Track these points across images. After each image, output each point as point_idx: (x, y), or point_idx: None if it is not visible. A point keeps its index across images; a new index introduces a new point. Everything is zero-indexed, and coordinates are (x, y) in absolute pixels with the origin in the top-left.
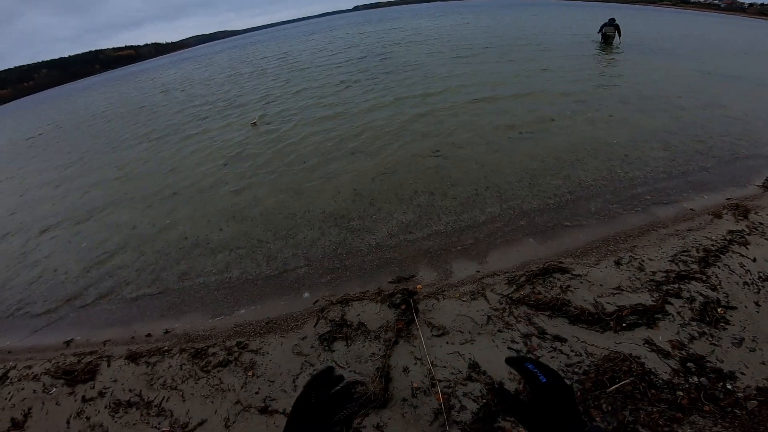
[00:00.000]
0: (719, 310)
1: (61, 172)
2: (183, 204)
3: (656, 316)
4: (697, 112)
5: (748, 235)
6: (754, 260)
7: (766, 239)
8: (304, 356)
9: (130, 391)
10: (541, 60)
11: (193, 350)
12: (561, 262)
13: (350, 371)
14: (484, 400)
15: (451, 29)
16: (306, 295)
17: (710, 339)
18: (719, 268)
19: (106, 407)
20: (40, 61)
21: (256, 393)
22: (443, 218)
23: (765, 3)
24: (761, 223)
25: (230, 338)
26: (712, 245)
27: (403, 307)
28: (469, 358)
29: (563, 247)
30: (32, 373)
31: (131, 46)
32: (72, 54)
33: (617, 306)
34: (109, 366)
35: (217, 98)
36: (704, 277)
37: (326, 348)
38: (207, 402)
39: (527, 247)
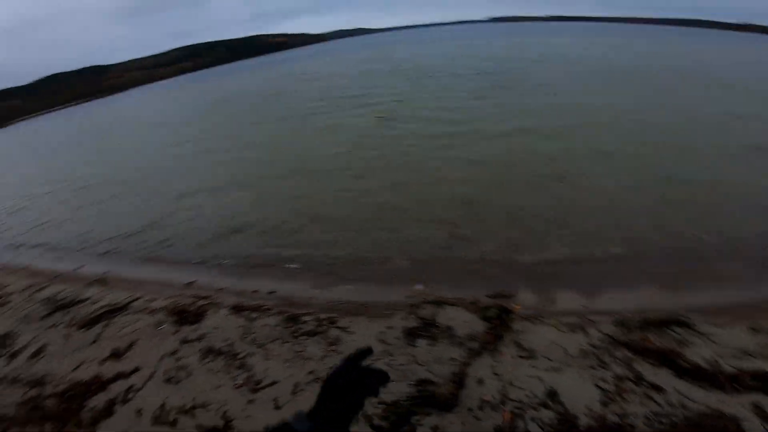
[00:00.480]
0: None
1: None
2: (307, 181)
3: None
4: None
5: None
6: None
7: None
8: (386, 344)
9: (224, 340)
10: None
11: (289, 314)
12: (686, 317)
13: (426, 369)
14: (552, 429)
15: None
16: (401, 288)
17: None
18: None
19: (199, 351)
20: (215, 40)
21: (332, 367)
22: (557, 247)
23: None
24: None
25: (324, 311)
26: None
27: (495, 321)
28: (550, 386)
29: (692, 302)
30: (151, 307)
31: (284, 34)
32: (239, 37)
33: (737, 368)
34: (215, 313)
35: (347, 91)
36: None
37: (409, 342)
38: (285, 366)
39: (648, 294)
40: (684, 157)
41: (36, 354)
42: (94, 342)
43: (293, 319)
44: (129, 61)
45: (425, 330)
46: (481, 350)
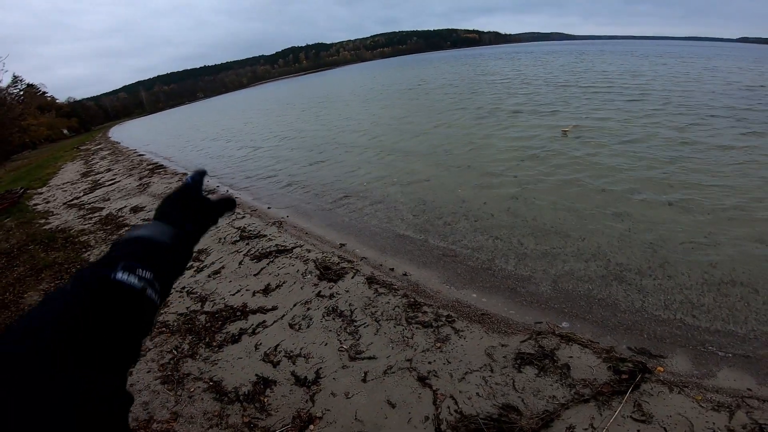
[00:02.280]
0: None
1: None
2: (476, 178)
3: None
4: None
5: None
6: None
7: None
8: (491, 359)
9: (349, 305)
10: None
11: (413, 300)
12: None
13: (518, 396)
14: None
15: None
16: (532, 312)
17: None
18: None
19: (325, 308)
20: (414, 30)
21: (429, 363)
22: (752, 322)
23: None
24: None
25: (445, 308)
26: None
27: (624, 376)
28: None
29: None
30: (307, 257)
31: (477, 30)
32: (435, 29)
33: None
34: (352, 278)
35: (535, 98)
36: None
37: (515, 366)
38: (389, 346)
39: None
40: None
41: (215, 273)
42: (256, 274)
43: (414, 305)
44: (343, 41)
45: (539, 360)
46: (589, 398)
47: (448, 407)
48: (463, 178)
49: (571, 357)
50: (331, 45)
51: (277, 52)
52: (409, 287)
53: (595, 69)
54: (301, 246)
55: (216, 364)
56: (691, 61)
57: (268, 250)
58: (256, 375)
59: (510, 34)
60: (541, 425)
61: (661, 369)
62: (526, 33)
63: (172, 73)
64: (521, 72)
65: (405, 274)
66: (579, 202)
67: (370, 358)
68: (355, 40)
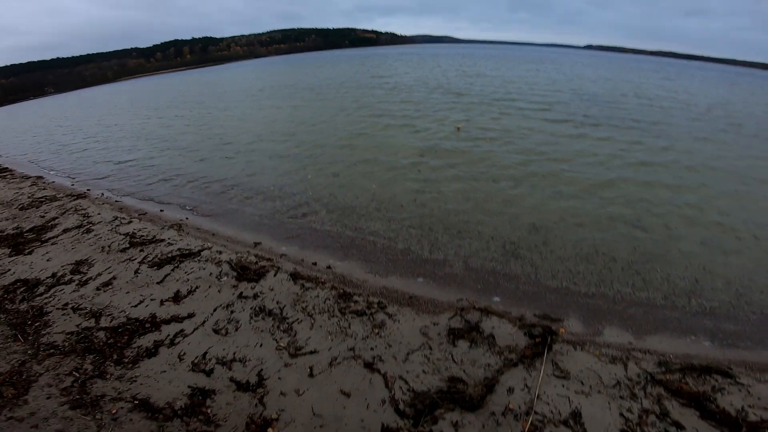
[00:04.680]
0: None
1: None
2: (384, 172)
3: None
4: None
5: None
6: None
7: None
8: (427, 338)
9: (277, 303)
10: None
11: (342, 291)
12: (730, 368)
13: (460, 368)
14: None
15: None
16: (453, 291)
17: None
18: None
19: (251, 308)
20: (312, 27)
21: (371, 349)
22: (617, 285)
23: None
24: None
25: (375, 295)
26: None
27: (537, 339)
28: (576, 407)
29: (741, 357)
30: (219, 259)
31: (375, 30)
32: (334, 27)
33: (761, 418)
34: (274, 276)
35: (427, 96)
36: None
37: (450, 341)
38: (328, 338)
39: (699, 343)
40: None
41: (105, 285)
42: (160, 282)
43: (345, 296)
44: (236, 36)
45: (468, 333)
46: (517, 362)
47: (401, 387)
48: (370, 173)
49: (493, 327)
50: (222, 39)
51: (155, 45)
52: (335, 279)
53: (486, 74)
54: (210, 248)
55: (135, 381)
56: (558, 66)
57: (169, 255)
58: (189, 387)
59: (405, 36)
60: (486, 391)
61: (563, 330)
62: (419, 35)
63: (14, 65)
64: (412, 73)
65: (329, 267)
66: (475, 190)
67: (311, 352)
68: (249, 35)
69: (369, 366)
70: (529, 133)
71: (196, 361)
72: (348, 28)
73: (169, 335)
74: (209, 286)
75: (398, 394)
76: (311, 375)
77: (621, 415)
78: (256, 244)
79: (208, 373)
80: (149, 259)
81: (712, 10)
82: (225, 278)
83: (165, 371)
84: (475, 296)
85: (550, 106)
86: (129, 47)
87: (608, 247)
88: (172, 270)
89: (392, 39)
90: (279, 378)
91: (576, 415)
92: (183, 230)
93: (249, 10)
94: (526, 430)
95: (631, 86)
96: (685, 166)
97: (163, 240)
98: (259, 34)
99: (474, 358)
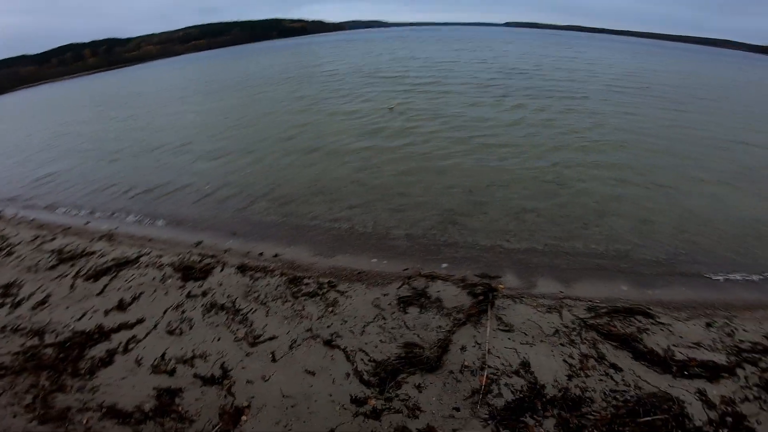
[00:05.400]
0: None
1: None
2: (322, 158)
3: (722, 374)
4: None
5: None
6: None
7: None
8: (380, 309)
9: (228, 297)
10: None
11: (292, 276)
12: (649, 308)
13: (414, 334)
14: (522, 395)
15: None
16: (397, 260)
17: (762, 404)
18: None
19: (202, 306)
20: (234, 21)
21: (328, 327)
22: (544, 239)
23: None
24: None
25: (324, 276)
26: None
27: (480, 297)
28: (524, 357)
29: (655, 296)
30: (159, 262)
31: (302, 20)
32: (258, 19)
33: (687, 357)
34: (221, 271)
35: (361, 81)
36: None
37: (401, 309)
38: (284, 322)
39: (619, 287)
40: None
41: (40, 304)
42: (99, 293)
43: (295, 281)
44: (146, 35)
45: (417, 299)
46: (465, 321)
47: (362, 359)
48: (310, 161)
49: (438, 291)
50: (130, 40)
51: (49, 50)
52: (284, 266)
53: (417, 56)
54: (148, 253)
55: (98, 390)
56: (485, 44)
57: (104, 266)
58: (155, 388)
59: (334, 23)
60: (442, 352)
61: (503, 286)
62: (348, 21)
63: None
64: (344, 60)
65: (276, 255)
66: (411, 167)
67: (270, 338)
68: (161, 33)
69: (328, 343)
70: (460, 109)
71: (155, 363)
72: (275, 19)
73: (121, 342)
74: (154, 291)
75: (361, 366)
76: (274, 360)
77: (564, 361)
78: (198, 243)
79: (171, 373)
80: (83, 273)
81: None
82: (170, 280)
83: (125, 377)
84: (420, 264)
85: (479, 83)
86: (16, 55)
87: (533, 204)
88: (111, 280)
89: (322, 27)
90: (243, 368)
91: (525, 365)
92: (114, 240)
93: (158, 6)
94: (484, 384)
95: (550, 60)
96: (597, 127)
97: (94, 252)
98: (174, 31)
99: (426, 322)
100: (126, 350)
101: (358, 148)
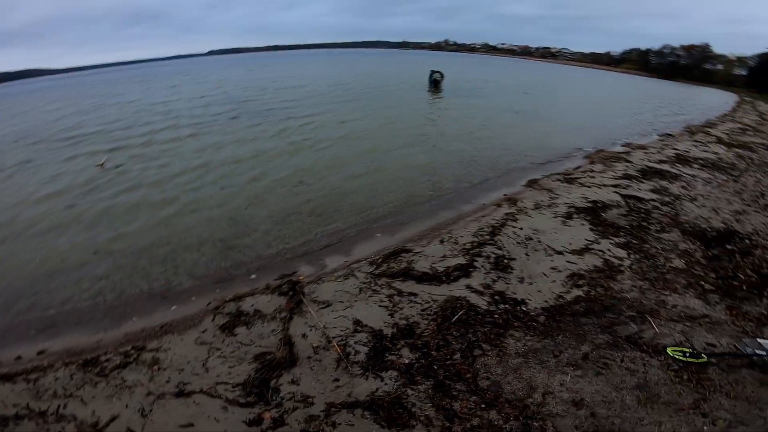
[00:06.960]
0: (505, 261)
1: None
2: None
3: (469, 269)
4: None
5: (517, 214)
6: (521, 228)
7: (526, 215)
8: (208, 344)
9: (14, 406)
10: None
11: (81, 360)
12: (405, 246)
13: (256, 346)
14: (372, 343)
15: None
16: (195, 299)
17: (505, 280)
18: (502, 236)
19: None
20: None
21: (167, 382)
22: (313, 229)
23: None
24: (524, 207)
25: (124, 345)
26: (497, 223)
27: (290, 293)
28: (352, 318)
29: (404, 237)
30: None
31: None
32: None
33: (445, 267)
34: None
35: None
36: (494, 242)
37: (228, 333)
38: (113, 400)
39: (379, 240)
40: None
41: None
42: None
43: (90, 362)
44: None
45: (237, 320)
46: (291, 316)
47: (226, 390)
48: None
49: (252, 305)
50: None
51: None
52: (63, 355)
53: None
54: None
55: None
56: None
57: None
58: None
59: None
60: (290, 347)
61: (302, 277)
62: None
63: None
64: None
65: (41, 353)
66: (158, 214)
67: (112, 419)
68: None
69: (181, 394)
70: (185, 144)
71: None
72: None
73: None
74: None
75: (229, 395)
76: None
77: (380, 306)
78: None
79: None
80: None
81: (303, 2)
82: None
83: None
84: (221, 293)
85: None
86: None
87: (291, 206)
88: None
89: None
90: None
91: (358, 322)
92: None
93: None
94: (340, 351)
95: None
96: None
97: None
98: None
99: (259, 332)
100: None
101: (77, 210)
